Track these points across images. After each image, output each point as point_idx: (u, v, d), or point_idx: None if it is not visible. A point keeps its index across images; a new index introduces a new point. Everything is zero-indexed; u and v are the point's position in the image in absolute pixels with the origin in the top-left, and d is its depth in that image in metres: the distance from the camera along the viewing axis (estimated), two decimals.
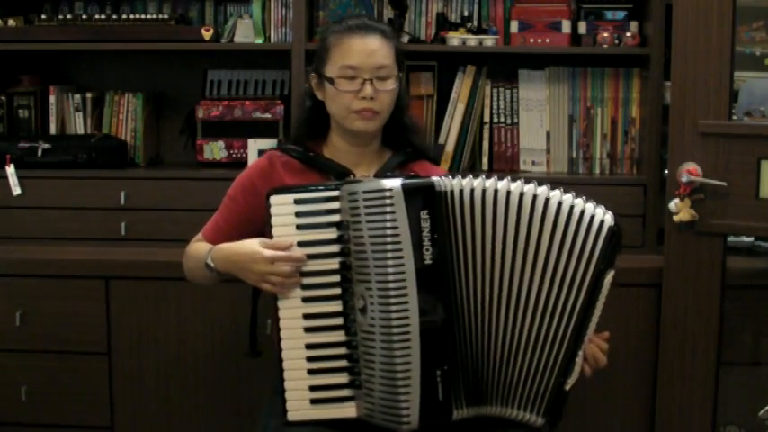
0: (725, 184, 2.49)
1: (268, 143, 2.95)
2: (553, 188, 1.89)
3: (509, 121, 2.99)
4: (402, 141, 2.17)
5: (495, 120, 2.99)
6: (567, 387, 1.91)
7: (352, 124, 2.06)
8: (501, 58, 2.99)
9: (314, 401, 1.88)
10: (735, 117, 2.61)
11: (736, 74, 2.54)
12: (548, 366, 1.89)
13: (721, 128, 2.50)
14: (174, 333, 2.76)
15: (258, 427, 2.08)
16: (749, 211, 2.49)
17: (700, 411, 2.61)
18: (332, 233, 1.89)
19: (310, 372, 1.88)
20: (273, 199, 1.91)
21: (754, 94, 2.74)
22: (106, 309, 2.75)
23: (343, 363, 1.89)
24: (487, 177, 1.88)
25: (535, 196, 1.86)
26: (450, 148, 2.96)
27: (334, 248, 1.89)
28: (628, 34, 2.88)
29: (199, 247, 2.12)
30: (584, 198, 1.90)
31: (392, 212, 1.80)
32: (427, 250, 1.81)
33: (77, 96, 3.09)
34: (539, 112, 2.97)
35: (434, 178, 1.86)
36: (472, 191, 1.86)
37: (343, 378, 1.89)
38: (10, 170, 2.87)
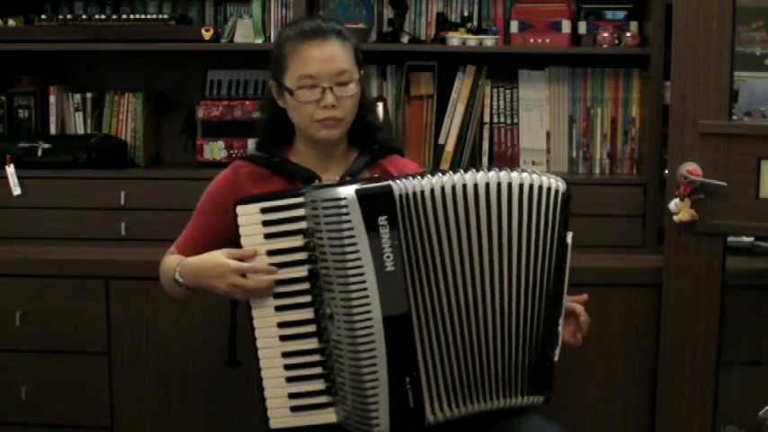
0: (725, 184, 2.49)
1: None
2: (501, 170, 1.87)
3: (509, 121, 2.99)
4: (368, 140, 2.14)
5: (496, 120, 2.99)
6: (556, 358, 1.93)
7: (317, 133, 2.02)
8: (501, 58, 2.99)
9: (294, 409, 1.88)
10: (735, 117, 2.61)
11: (735, 74, 2.54)
12: (536, 343, 1.90)
13: (721, 128, 2.50)
14: (173, 333, 2.76)
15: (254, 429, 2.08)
16: (749, 211, 2.49)
17: (700, 411, 2.61)
18: (298, 241, 1.87)
19: (288, 380, 1.88)
20: (240, 209, 1.89)
21: (754, 94, 2.74)
22: (106, 309, 2.75)
23: (319, 370, 1.88)
24: (453, 172, 1.85)
25: (488, 184, 1.84)
26: (450, 148, 2.96)
27: (302, 256, 1.87)
28: (628, 34, 2.88)
29: (170, 261, 2.10)
30: (531, 171, 1.90)
31: (348, 221, 1.78)
32: (388, 257, 1.79)
33: (77, 96, 3.09)
34: (539, 112, 2.97)
35: (391, 182, 1.82)
36: (433, 190, 1.83)
37: (319, 385, 1.88)
38: (10, 170, 2.87)
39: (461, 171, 1.86)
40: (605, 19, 2.94)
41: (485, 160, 2.99)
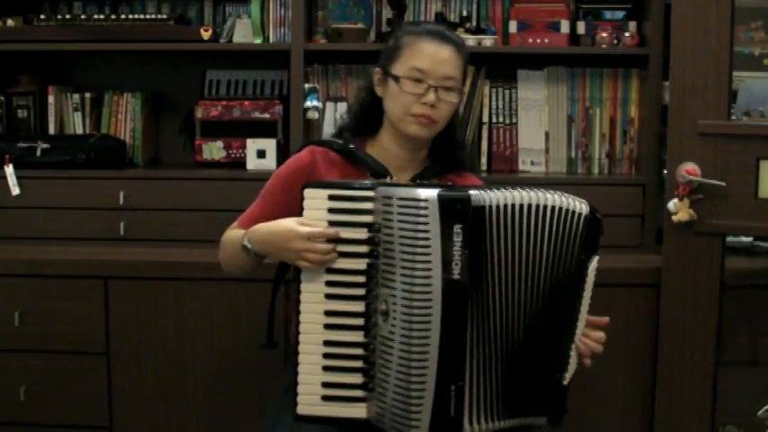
0: (724, 184, 2.49)
1: (267, 143, 2.95)
2: (546, 191, 1.86)
3: (508, 121, 2.99)
4: (448, 156, 2.15)
5: (494, 120, 2.99)
6: (566, 382, 1.92)
7: (408, 127, 2.04)
8: (500, 58, 2.99)
9: (325, 398, 1.87)
10: (733, 117, 2.62)
11: (734, 74, 2.54)
12: (550, 367, 1.90)
13: (720, 128, 2.50)
14: (172, 333, 2.75)
15: (267, 422, 2.06)
16: (748, 211, 2.49)
17: (698, 411, 2.61)
18: (362, 233, 1.86)
19: (325, 368, 1.87)
20: (308, 192, 1.89)
21: (753, 94, 2.74)
22: (105, 309, 2.75)
23: (359, 363, 1.87)
24: (519, 187, 1.84)
25: (538, 206, 1.84)
26: None
27: (363, 249, 1.86)
28: (626, 34, 2.88)
29: (234, 233, 2.10)
30: (561, 194, 1.88)
31: (425, 224, 1.75)
32: (456, 265, 1.76)
33: (76, 96, 3.09)
34: (537, 112, 2.98)
35: (472, 192, 1.80)
36: (511, 206, 1.81)
37: (357, 378, 1.87)
38: (9, 170, 2.87)
39: (528, 189, 1.84)
40: (604, 19, 2.94)
41: (483, 160, 2.99)
